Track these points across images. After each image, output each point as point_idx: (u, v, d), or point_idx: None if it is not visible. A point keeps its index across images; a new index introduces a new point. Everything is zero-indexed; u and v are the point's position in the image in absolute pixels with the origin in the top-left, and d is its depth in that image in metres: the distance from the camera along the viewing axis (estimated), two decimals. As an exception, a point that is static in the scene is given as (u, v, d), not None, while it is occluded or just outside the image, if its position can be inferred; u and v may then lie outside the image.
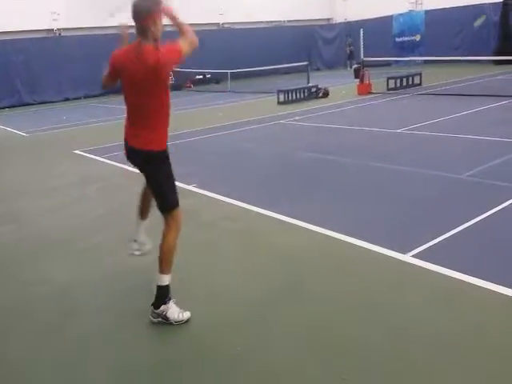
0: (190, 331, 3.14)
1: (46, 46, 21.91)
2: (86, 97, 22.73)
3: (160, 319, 3.22)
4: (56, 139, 11.87)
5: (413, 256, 3.83)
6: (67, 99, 22.47)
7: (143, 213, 3.70)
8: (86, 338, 3.16)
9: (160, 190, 3.27)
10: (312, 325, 3.08)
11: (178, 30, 3.20)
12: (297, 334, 2.99)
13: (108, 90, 3.88)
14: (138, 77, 3.07)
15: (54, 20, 22.18)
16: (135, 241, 3.75)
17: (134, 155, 3.32)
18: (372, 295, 3.37)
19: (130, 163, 3.43)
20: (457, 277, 3.45)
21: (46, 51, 21.69)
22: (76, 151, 9.57)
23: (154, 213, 3.46)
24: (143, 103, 3.17)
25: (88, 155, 9.14)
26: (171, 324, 3.20)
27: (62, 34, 22.67)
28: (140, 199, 3.66)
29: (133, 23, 3.08)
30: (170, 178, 3.28)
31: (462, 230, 4.25)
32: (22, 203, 6.45)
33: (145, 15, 3.00)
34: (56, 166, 8.57)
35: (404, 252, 3.91)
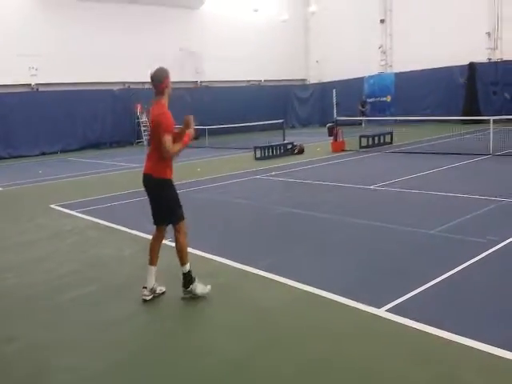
0: None
1: (24, 100, 22.12)
2: (63, 151, 22.78)
3: (190, 295, 4.31)
4: (32, 193, 11.78)
5: (387, 311, 3.89)
6: (43, 153, 22.45)
7: (155, 260, 4.46)
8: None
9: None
10: None
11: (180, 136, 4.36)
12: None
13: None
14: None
15: (32, 75, 22.54)
16: (145, 287, 4.40)
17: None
18: (343, 346, 3.39)
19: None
20: (427, 331, 3.52)
21: (24, 106, 21.91)
22: (52, 205, 9.51)
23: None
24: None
25: (64, 210, 9.06)
26: (199, 297, 4.28)
27: (40, 90, 22.95)
28: (151, 248, 4.47)
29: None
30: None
31: (434, 284, 4.35)
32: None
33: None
34: (31, 221, 8.46)
35: (378, 307, 3.96)
